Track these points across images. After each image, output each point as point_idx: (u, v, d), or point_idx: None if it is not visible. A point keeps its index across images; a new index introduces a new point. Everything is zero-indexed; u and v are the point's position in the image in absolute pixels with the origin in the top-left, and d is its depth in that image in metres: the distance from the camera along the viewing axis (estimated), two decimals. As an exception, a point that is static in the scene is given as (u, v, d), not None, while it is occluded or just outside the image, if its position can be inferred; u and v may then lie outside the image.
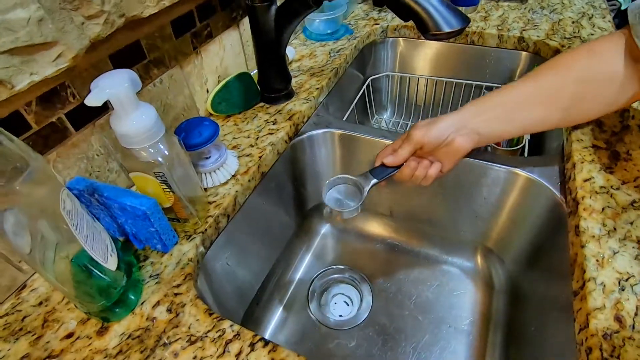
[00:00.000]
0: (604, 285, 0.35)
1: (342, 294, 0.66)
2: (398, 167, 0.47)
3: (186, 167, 0.42)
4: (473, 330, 0.58)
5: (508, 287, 0.60)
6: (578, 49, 0.43)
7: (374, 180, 0.46)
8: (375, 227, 0.73)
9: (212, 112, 0.61)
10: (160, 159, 0.37)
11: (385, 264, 0.69)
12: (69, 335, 0.36)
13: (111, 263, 0.34)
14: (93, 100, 0.30)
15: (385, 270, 0.68)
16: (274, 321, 0.62)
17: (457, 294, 0.63)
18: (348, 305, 0.64)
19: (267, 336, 0.60)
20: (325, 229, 0.74)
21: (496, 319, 0.59)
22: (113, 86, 0.31)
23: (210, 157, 0.49)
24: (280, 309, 0.63)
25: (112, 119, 0.34)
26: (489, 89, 0.82)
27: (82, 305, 0.34)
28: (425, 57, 0.88)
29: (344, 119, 0.77)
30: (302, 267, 0.69)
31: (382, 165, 0.47)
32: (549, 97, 0.43)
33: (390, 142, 0.60)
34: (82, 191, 0.39)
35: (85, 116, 0.42)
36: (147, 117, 0.35)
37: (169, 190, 0.39)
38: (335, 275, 0.68)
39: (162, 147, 0.37)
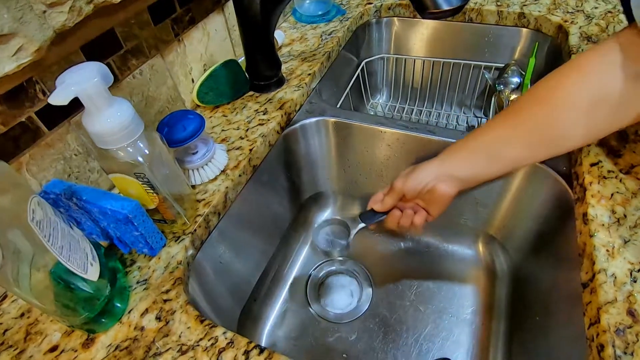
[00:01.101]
0: (615, 277, 0.34)
1: (342, 286, 0.64)
2: (386, 212, 0.48)
3: (170, 164, 0.39)
4: (476, 319, 0.57)
5: (511, 276, 0.59)
6: (564, 69, 0.37)
7: (362, 225, 0.49)
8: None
9: (198, 103, 0.57)
10: (140, 159, 0.34)
11: (385, 254, 0.67)
12: (53, 349, 0.34)
13: (92, 273, 0.32)
14: (57, 98, 0.27)
15: (385, 260, 0.66)
16: (273, 317, 0.61)
17: (458, 282, 0.62)
18: (348, 297, 0.63)
19: (265, 332, 0.59)
20: (322, 220, 0.72)
21: (499, 307, 0.58)
22: (80, 82, 0.28)
23: (197, 152, 0.46)
24: (279, 304, 0.62)
25: (84, 117, 0.31)
26: (488, 69, 0.79)
27: (64, 319, 0.32)
28: (421, 37, 0.84)
29: (338, 105, 0.74)
30: (300, 260, 0.67)
31: (372, 210, 0.48)
32: (533, 134, 0.38)
33: (386, 129, 0.57)
34: (59, 195, 0.36)
35: (59, 113, 0.39)
36: (123, 113, 0.32)
37: (152, 191, 0.37)
38: (334, 267, 0.66)
39: (141, 145, 0.34)
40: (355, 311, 0.61)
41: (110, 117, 0.31)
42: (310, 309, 0.61)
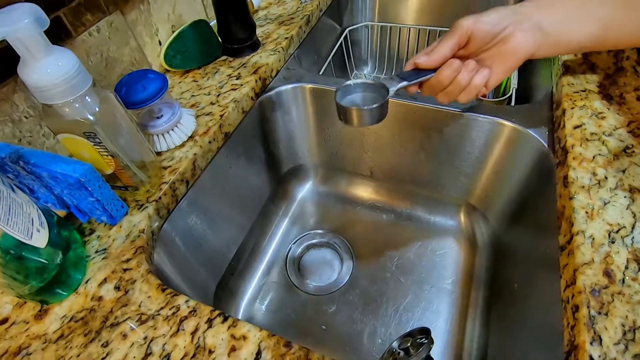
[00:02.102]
0: (593, 239, 0.32)
1: (322, 258, 0.63)
2: (434, 70, 0.37)
3: (129, 127, 0.37)
4: (456, 289, 0.57)
5: (491, 245, 0.58)
6: None
7: (404, 83, 0.37)
8: (355, 189, 0.69)
9: (167, 67, 0.54)
10: (89, 117, 0.31)
11: (366, 227, 0.66)
12: (3, 321, 0.31)
13: (38, 239, 0.29)
14: (-20, 41, 0.24)
15: (366, 232, 0.65)
16: (250, 291, 0.59)
17: (439, 253, 0.61)
18: (328, 270, 0.62)
19: (243, 306, 0.58)
20: (302, 193, 0.70)
21: (479, 277, 0.57)
22: (8, 23, 0.25)
23: (161, 116, 0.43)
24: (257, 278, 0.61)
25: (20, 67, 0.28)
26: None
27: (12, 291, 0.30)
28: (408, 3, 0.81)
29: (320, 74, 0.71)
30: (279, 234, 0.66)
31: (415, 69, 0.38)
32: None
33: (366, 95, 0.54)
34: (3, 159, 0.33)
35: (1, 70, 0.36)
36: (65, 63, 0.29)
37: (106, 154, 0.34)
38: (314, 240, 0.65)
39: (90, 101, 0.31)
40: (335, 283, 0.60)
41: (50, 67, 0.28)
42: (290, 282, 0.60)
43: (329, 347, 0.53)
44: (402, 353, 0.49)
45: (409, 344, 0.49)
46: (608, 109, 0.43)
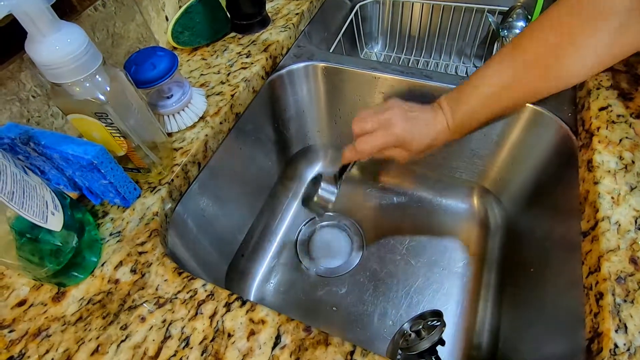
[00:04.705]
0: (619, 225, 0.32)
1: (332, 240, 0.63)
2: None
3: (140, 107, 0.35)
4: (467, 272, 0.57)
5: (504, 228, 0.58)
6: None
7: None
8: (366, 170, 0.68)
9: (174, 44, 0.52)
10: (100, 96, 0.30)
11: (377, 209, 0.65)
12: (21, 303, 0.31)
13: (53, 222, 0.29)
14: (-15, 14, 0.23)
15: (377, 214, 0.64)
16: (261, 272, 0.59)
17: (451, 236, 0.60)
18: (338, 251, 0.61)
19: (254, 287, 0.58)
20: (312, 174, 0.69)
21: (491, 260, 0.57)
22: (13, -4, 0.24)
23: (171, 96, 0.42)
24: (267, 259, 0.61)
25: (27, 44, 0.27)
26: (492, 12, 0.73)
27: (29, 273, 0.30)
28: (420, -24, 0.77)
29: (330, 51, 0.68)
30: (289, 215, 0.65)
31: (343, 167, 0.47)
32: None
33: (380, 74, 0.53)
34: (14, 140, 0.32)
35: (7, 47, 0.35)
36: (74, 40, 0.27)
37: (118, 135, 0.33)
38: (324, 222, 0.64)
39: (100, 80, 0.30)
40: (345, 265, 0.60)
41: (59, 44, 0.27)
42: (300, 264, 0.60)
43: (339, 328, 0.54)
44: (413, 335, 0.49)
45: (420, 326, 0.49)
46: (636, 89, 0.41)
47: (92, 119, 0.31)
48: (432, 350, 0.47)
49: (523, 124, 0.48)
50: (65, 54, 0.27)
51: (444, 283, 0.56)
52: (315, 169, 0.70)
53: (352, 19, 0.77)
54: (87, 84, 0.29)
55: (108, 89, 0.30)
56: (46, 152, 0.33)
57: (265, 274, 0.59)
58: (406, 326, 0.51)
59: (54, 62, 0.27)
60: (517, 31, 0.68)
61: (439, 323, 0.48)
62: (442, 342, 0.50)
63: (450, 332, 0.52)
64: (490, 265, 0.56)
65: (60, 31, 0.27)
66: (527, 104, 0.46)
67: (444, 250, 0.59)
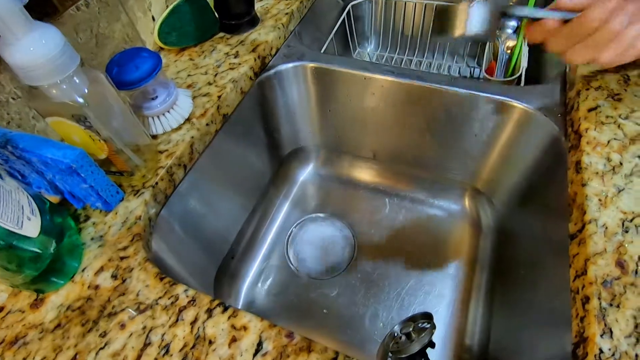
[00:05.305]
0: (606, 227, 0.31)
1: (324, 242, 0.62)
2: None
3: (122, 109, 0.35)
4: (459, 273, 0.56)
5: (496, 230, 0.57)
6: None
7: (540, 12, 0.30)
8: (358, 172, 0.68)
9: (161, 45, 0.51)
10: (78, 99, 0.29)
11: (369, 210, 0.65)
12: (-1, 310, 0.31)
13: (29, 228, 0.28)
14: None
15: (369, 216, 0.64)
16: (252, 274, 0.59)
17: (442, 238, 0.60)
18: (330, 253, 0.61)
19: (244, 290, 0.57)
20: (304, 176, 0.69)
21: (483, 261, 0.56)
22: (-18, -4, 0.23)
23: (156, 97, 0.41)
24: (258, 261, 0.60)
25: (0, 46, 0.26)
26: (484, 11, 0.72)
27: (6, 280, 0.29)
28: (413, -25, 0.76)
29: (322, 52, 0.68)
30: (280, 217, 0.65)
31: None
32: None
33: (371, 75, 0.52)
34: (-9, 143, 0.32)
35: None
36: (49, 41, 0.27)
37: (98, 138, 0.32)
38: (316, 224, 0.64)
39: (78, 82, 0.29)
40: (337, 267, 0.59)
41: (33, 46, 0.26)
42: (291, 266, 0.59)
43: (330, 331, 0.54)
44: (403, 337, 0.49)
45: (410, 329, 0.49)
46: (625, 90, 0.41)
47: (71, 122, 0.31)
48: (422, 353, 0.47)
49: (513, 124, 0.48)
50: (40, 56, 0.26)
51: (436, 284, 0.56)
52: (307, 169, 0.69)
53: (344, 19, 0.77)
54: (65, 86, 0.29)
55: (87, 91, 0.30)
56: (25, 155, 0.32)
57: (255, 276, 0.59)
58: (396, 328, 0.50)
59: (29, 65, 0.26)
60: (509, 30, 0.68)
61: (429, 325, 0.47)
62: (432, 344, 0.50)
63: (441, 334, 0.51)
64: (482, 267, 0.56)
65: (34, 32, 0.26)
66: (518, 105, 0.46)
67: (435, 251, 0.59)
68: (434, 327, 0.47)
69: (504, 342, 0.45)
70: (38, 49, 0.26)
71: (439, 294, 0.55)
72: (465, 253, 0.58)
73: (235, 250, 0.58)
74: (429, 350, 0.48)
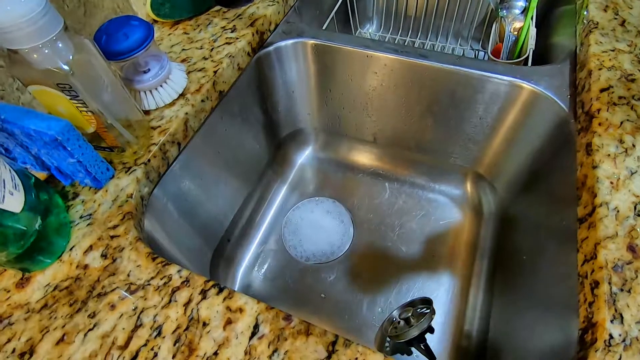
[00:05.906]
0: (618, 211, 0.30)
1: (322, 226, 0.61)
2: None
3: (111, 81, 0.33)
4: (458, 259, 0.55)
5: (498, 215, 0.56)
6: None
7: None
8: (358, 155, 0.66)
9: (155, 17, 0.49)
10: (63, 66, 0.27)
11: (368, 194, 0.63)
12: (-18, 289, 0.29)
13: (11, 203, 0.26)
14: None
15: (368, 200, 0.63)
16: (248, 258, 0.58)
17: (443, 223, 0.59)
18: (328, 238, 0.60)
19: (240, 274, 0.56)
20: (302, 158, 0.67)
21: (483, 247, 0.56)
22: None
23: (148, 70, 0.39)
24: (254, 245, 0.59)
25: (-25, 4, 0.24)
26: (491, -9, 0.70)
27: (-12, 256, 0.28)
28: (418, -48, 0.73)
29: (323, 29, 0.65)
30: (278, 200, 0.63)
31: None
32: None
33: (372, 52, 0.50)
34: (-30, 114, 0.30)
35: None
36: (29, 0, 0.24)
37: (85, 110, 0.31)
38: (315, 208, 0.62)
39: (62, 47, 0.27)
40: (335, 252, 0.58)
41: (11, 4, 0.24)
42: (288, 250, 0.58)
43: (327, 316, 0.53)
44: (402, 322, 0.48)
45: (409, 314, 0.48)
46: (639, 70, 0.39)
47: (55, 91, 0.29)
48: (420, 338, 0.46)
49: (520, 106, 0.46)
50: (19, 15, 0.24)
51: (435, 270, 0.55)
52: (306, 152, 0.68)
53: (345, -3, 0.74)
54: (47, 51, 0.26)
55: (72, 58, 0.28)
56: (7, 127, 0.30)
57: (252, 260, 0.58)
58: (395, 314, 0.50)
59: (6, 25, 0.24)
60: (517, 11, 0.66)
61: (428, 310, 0.46)
62: (431, 329, 0.49)
63: (440, 320, 0.51)
64: (482, 253, 0.55)
65: (11, -11, 0.24)
66: (526, 86, 0.44)
67: (435, 236, 0.58)
68: (433, 312, 0.46)
69: (503, 328, 0.45)
70: (15, 7, 0.24)
71: (438, 280, 0.54)
72: (466, 239, 0.57)
73: (231, 233, 0.57)
74: (428, 336, 0.47)
